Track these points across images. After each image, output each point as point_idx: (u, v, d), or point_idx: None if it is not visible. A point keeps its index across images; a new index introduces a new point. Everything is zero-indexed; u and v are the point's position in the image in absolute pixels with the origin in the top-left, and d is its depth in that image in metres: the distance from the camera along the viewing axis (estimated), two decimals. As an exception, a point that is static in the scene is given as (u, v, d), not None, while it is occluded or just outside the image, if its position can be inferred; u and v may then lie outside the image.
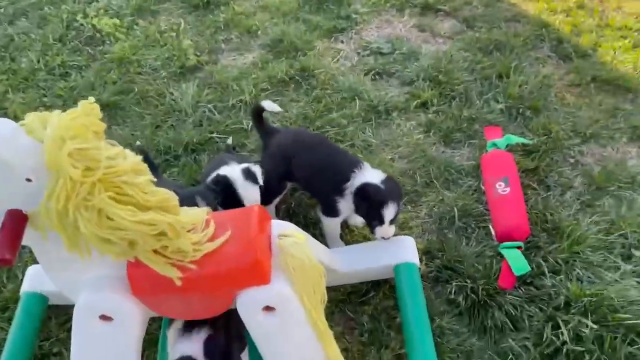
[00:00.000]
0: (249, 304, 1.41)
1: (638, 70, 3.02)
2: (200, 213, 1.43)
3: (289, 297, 1.42)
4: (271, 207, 2.31)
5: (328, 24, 3.49)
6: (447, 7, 3.59)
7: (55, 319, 2.09)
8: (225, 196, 1.98)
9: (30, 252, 2.13)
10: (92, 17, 3.66)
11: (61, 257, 1.30)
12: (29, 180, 1.18)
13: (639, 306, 1.90)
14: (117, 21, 3.63)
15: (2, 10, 3.97)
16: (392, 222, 1.95)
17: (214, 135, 2.74)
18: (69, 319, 1.66)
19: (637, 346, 1.80)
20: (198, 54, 3.33)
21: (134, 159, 1.26)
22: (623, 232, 2.19)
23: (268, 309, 1.41)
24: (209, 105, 2.92)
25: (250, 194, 2.02)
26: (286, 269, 1.43)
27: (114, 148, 1.25)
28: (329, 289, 2.02)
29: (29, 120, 1.21)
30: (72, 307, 1.43)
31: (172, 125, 2.86)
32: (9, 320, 2.02)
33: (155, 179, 1.30)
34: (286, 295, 1.41)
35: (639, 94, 2.89)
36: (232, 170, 2.04)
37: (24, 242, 1.23)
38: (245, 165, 2.08)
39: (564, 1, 3.61)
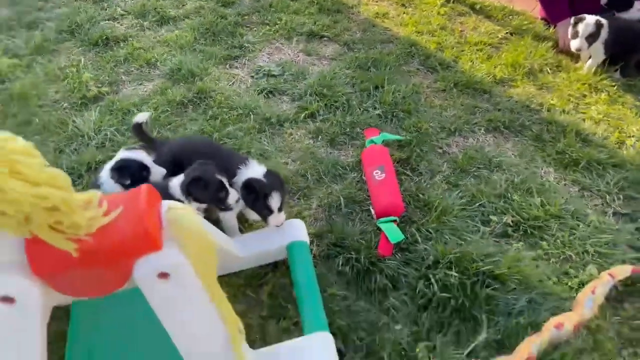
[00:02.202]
0: (144, 273, 1.57)
1: (491, 75, 3.53)
2: (92, 193, 1.59)
3: (182, 262, 1.59)
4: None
5: (223, 53, 3.78)
6: (330, 34, 4.01)
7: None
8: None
9: None
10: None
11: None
12: None
13: (494, 258, 2.25)
14: (17, 61, 3.70)
15: None
16: (280, 209, 2.19)
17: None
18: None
19: (492, 287, 2.13)
20: (99, 85, 3.47)
21: (25, 143, 1.42)
22: (482, 202, 2.57)
23: (163, 275, 1.58)
24: (111, 129, 3.05)
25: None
26: (176, 237, 1.61)
27: (3, 132, 1.40)
28: (231, 275, 2.22)
29: None
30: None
31: (75, 149, 2.96)
32: None
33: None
34: (178, 260, 1.59)
35: (493, 94, 3.39)
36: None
37: None
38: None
39: (429, 24, 4.15)
